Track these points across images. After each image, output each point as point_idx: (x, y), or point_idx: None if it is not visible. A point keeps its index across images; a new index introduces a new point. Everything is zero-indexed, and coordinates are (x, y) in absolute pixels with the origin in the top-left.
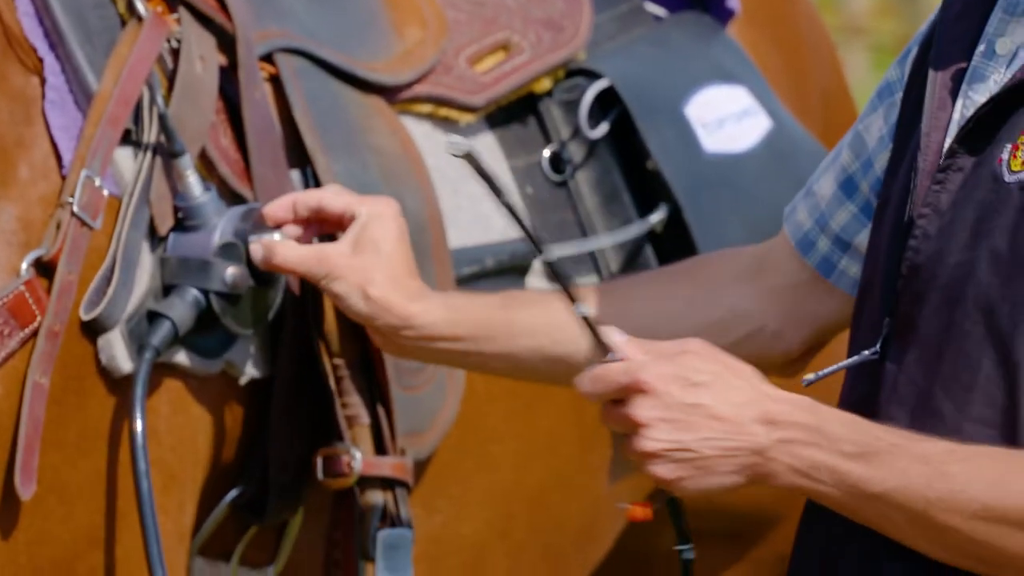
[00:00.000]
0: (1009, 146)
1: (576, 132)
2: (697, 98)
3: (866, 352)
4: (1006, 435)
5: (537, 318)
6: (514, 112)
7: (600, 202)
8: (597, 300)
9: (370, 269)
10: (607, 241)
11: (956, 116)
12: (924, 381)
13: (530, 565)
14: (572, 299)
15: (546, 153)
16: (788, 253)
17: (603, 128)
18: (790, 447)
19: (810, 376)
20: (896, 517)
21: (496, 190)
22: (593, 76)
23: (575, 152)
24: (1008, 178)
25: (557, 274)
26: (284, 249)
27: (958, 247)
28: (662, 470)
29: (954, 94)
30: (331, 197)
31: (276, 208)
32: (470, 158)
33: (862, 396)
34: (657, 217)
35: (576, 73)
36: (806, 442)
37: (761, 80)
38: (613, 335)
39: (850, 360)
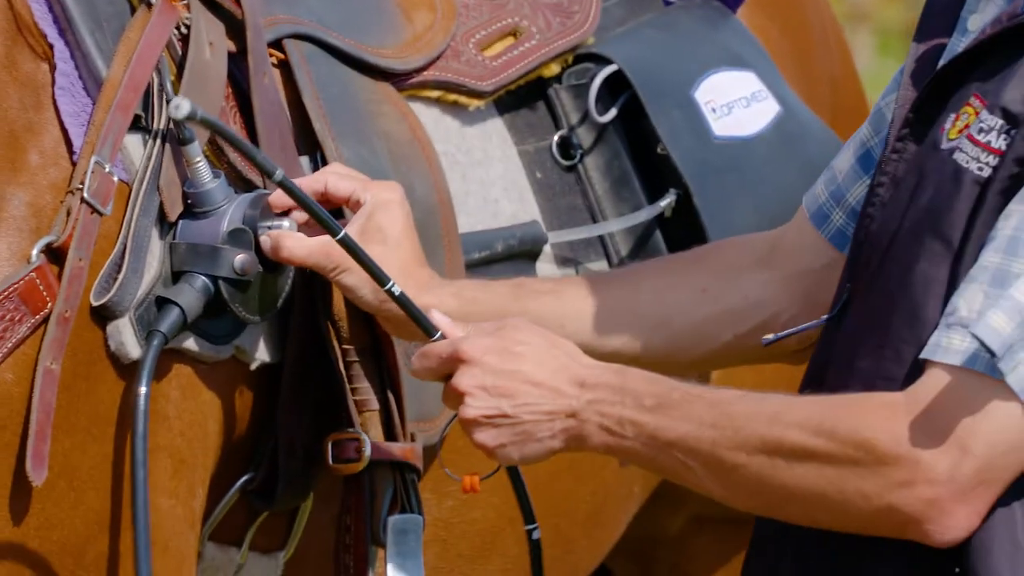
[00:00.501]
0: (952, 115)
1: (585, 117)
2: (706, 83)
3: (824, 317)
4: None
5: (548, 307)
6: (523, 97)
7: (609, 187)
8: (607, 288)
9: (378, 261)
10: (616, 226)
11: None
12: (855, 343)
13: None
14: (382, 282)
15: (555, 138)
16: (803, 235)
17: (612, 113)
18: (599, 406)
19: (769, 336)
20: (692, 463)
21: (231, 140)
22: (602, 61)
23: (584, 137)
24: (944, 145)
25: (353, 251)
26: (291, 243)
27: (899, 213)
28: (484, 437)
29: (930, 71)
30: (335, 182)
31: (281, 195)
32: (200, 120)
33: (819, 360)
34: (666, 201)
35: (585, 58)
36: (612, 401)
37: (770, 64)
38: (435, 315)
39: (810, 323)
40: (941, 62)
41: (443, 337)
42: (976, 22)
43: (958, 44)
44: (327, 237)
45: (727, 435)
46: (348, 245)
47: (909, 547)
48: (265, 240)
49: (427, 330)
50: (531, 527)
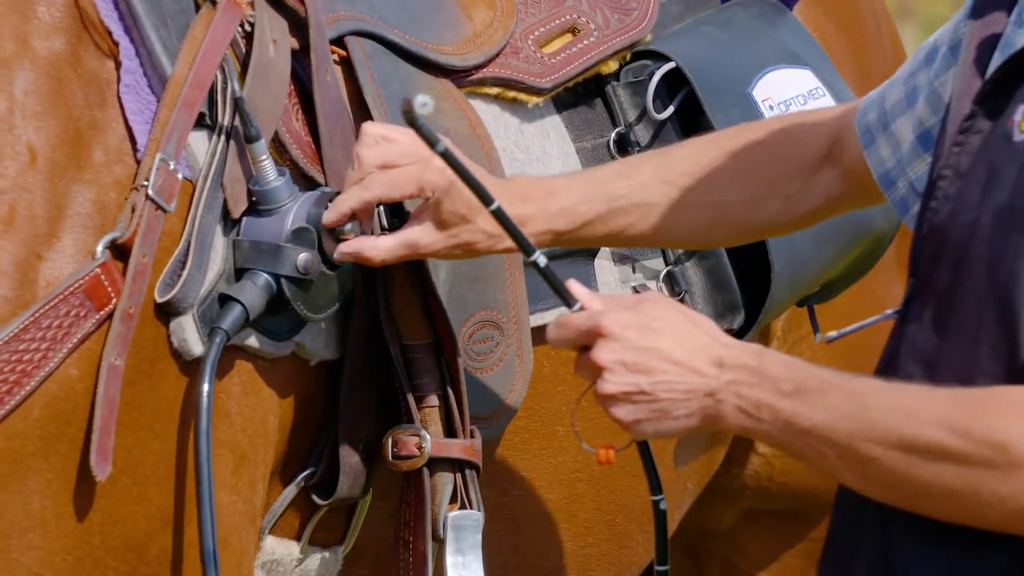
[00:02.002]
0: (1022, 107)
1: (643, 114)
2: (763, 80)
3: (888, 311)
4: None
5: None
6: (581, 94)
7: None
8: (691, 194)
9: (473, 243)
10: None
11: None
12: (937, 338)
13: (595, 545)
14: (528, 252)
15: (613, 135)
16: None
17: (670, 110)
18: (737, 387)
19: (832, 333)
20: (826, 451)
21: (455, 164)
22: (659, 58)
23: (641, 134)
24: (1017, 137)
25: (502, 220)
26: (374, 253)
27: (970, 206)
28: (621, 412)
29: (986, 60)
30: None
31: (337, 216)
32: (409, 116)
33: (890, 354)
34: None
35: (643, 55)
36: (750, 383)
37: (827, 61)
38: (574, 286)
39: (873, 318)
40: (998, 53)
41: (582, 309)
42: None
43: (1015, 36)
44: (405, 234)
45: (864, 428)
46: (499, 216)
47: (1014, 542)
48: (346, 256)
49: (567, 302)
50: (657, 498)
